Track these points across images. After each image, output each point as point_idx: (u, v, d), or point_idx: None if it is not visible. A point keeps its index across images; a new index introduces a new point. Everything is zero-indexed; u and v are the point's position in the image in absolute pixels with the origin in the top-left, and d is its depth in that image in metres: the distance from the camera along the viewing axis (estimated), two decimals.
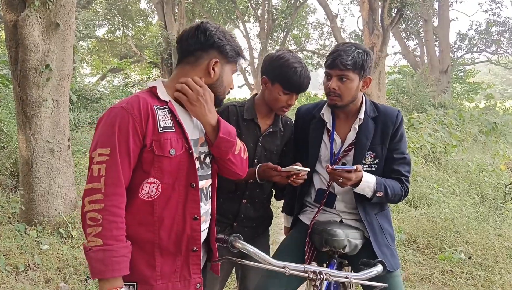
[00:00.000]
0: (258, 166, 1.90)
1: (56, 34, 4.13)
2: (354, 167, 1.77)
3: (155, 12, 18.57)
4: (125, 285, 1.35)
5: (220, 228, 1.98)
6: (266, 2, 21.07)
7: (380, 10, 10.78)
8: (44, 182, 4.20)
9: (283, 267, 1.43)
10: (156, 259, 1.41)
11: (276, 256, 1.94)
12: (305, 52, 24.83)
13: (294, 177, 1.79)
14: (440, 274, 3.46)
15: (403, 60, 19.94)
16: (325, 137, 2.00)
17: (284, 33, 22.12)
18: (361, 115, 1.92)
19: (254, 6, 22.34)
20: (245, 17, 23.36)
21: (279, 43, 22.55)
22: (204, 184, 1.56)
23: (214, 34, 1.48)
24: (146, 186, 1.39)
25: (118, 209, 1.32)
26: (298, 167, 1.76)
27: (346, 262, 1.96)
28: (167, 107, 1.45)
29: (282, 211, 2.33)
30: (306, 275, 1.45)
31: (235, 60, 1.56)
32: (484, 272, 3.45)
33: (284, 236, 2.23)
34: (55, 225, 4.12)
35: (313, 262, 1.87)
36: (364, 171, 1.84)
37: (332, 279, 1.48)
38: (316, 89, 28.63)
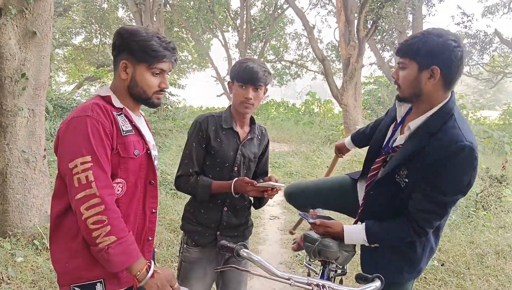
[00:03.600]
0: (234, 180, 1.94)
1: (33, 43, 4.09)
2: (314, 221, 1.82)
3: (133, 20, 18.47)
4: (87, 284, 1.45)
5: (203, 239, 2.01)
6: (245, 13, 21.24)
7: (356, 22, 11.03)
8: (19, 193, 4.13)
9: (288, 279, 1.45)
10: None
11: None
12: (283, 62, 25.07)
13: (269, 191, 1.86)
14: (415, 281, 3.54)
15: (378, 70, 20.37)
16: (391, 129, 1.87)
17: (263, 43, 22.31)
18: (413, 125, 1.66)
19: (232, 16, 22.48)
20: (224, 27, 23.47)
21: (258, 53, 22.72)
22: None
23: (122, 37, 1.53)
24: (113, 186, 1.46)
25: (116, 206, 1.41)
26: (273, 183, 1.83)
27: (339, 272, 2.00)
28: (122, 113, 1.55)
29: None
30: (310, 287, 1.46)
31: (147, 60, 1.53)
32: (456, 278, 3.56)
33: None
34: (30, 236, 4.04)
35: (315, 275, 1.90)
36: (397, 180, 1.68)
37: None
38: (294, 99, 28.93)
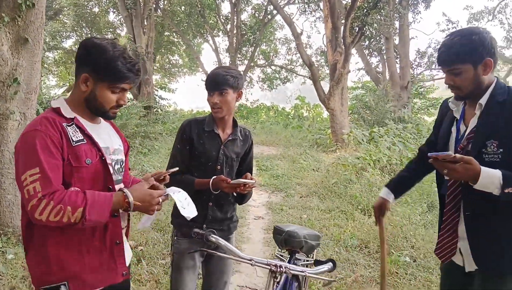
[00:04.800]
0: (212, 178, 2.15)
1: (25, 49, 4.25)
2: (451, 153, 1.65)
3: (124, 24, 18.62)
4: (53, 287, 1.53)
5: (191, 231, 2.20)
6: (235, 18, 21.48)
7: (342, 28, 11.30)
8: (10, 193, 4.27)
9: (250, 260, 1.64)
10: (84, 254, 1.57)
11: None
12: (273, 67, 25.33)
13: (242, 187, 2.08)
14: (387, 276, 3.76)
15: (366, 76, 20.72)
16: (454, 127, 1.94)
17: (253, 48, 22.55)
18: (483, 100, 1.79)
19: (223, 21, 22.70)
20: (215, 32, 23.67)
21: (248, 58, 22.96)
22: (117, 188, 1.70)
23: (88, 51, 1.57)
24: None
25: (61, 190, 1.47)
26: (244, 180, 2.06)
27: (311, 261, 2.13)
28: (74, 123, 1.59)
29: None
30: (269, 267, 1.65)
31: (110, 80, 1.58)
32: (425, 273, 3.79)
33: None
34: (20, 235, 4.18)
35: (276, 257, 2.08)
36: (487, 161, 1.70)
37: (290, 272, 1.69)
38: (284, 103, 29.18)
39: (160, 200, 1.60)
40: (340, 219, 5.43)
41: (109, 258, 1.64)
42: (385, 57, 18.30)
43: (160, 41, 22.52)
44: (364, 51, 18.79)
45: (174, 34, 23.64)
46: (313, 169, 9.08)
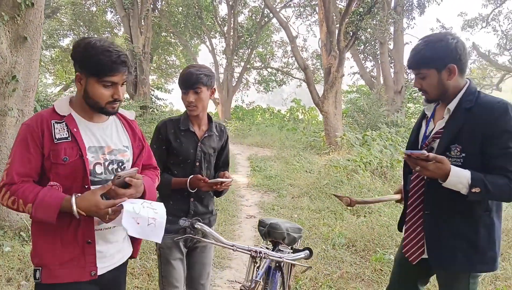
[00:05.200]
0: (189, 177, 2.26)
1: (24, 48, 4.36)
2: (425, 152, 1.70)
3: (121, 24, 18.72)
4: (34, 269, 1.65)
5: (174, 226, 2.31)
6: (232, 20, 21.63)
7: (337, 33, 11.46)
8: None
9: (232, 246, 1.77)
10: (56, 246, 1.64)
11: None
12: (269, 69, 25.48)
13: (218, 186, 2.22)
14: (371, 272, 3.89)
15: (361, 80, 20.91)
16: (424, 124, 2.03)
17: (249, 50, 22.71)
18: (451, 106, 1.86)
19: (220, 22, 22.83)
20: (212, 33, 23.80)
21: (244, 60, 23.10)
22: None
23: (76, 50, 1.64)
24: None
25: (20, 184, 1.57)
26: (221, 179, 2.21)
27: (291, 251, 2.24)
28: (64, 121, 1.65)
29: None
30: (249, 253, 1.78)
31: (96, 74, 1.61)
32: None
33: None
34: (17, 229, 4.29)
35: (262, 245, 2.20)
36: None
37: (269, 258, 1.82)
38: (280, 105, 29.34)
39: (110, 211, 1.57)
40: (329, 218, 5.56)
41: (80, 255, 1.66)
42: (379, 61, 18.49)
43: (157, 42, 22.61)
44: (359, 55, 19.00)
45: (171, 34, 23.75)
46: (306, 171, 9.22)
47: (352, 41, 11.52)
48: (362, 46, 17.79)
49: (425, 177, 1.87)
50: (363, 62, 19.48)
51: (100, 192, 1.56)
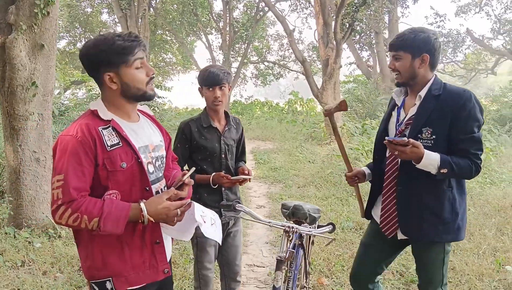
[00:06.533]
0: (212, 174, 2.49)
1: (41, 55, 4.58)
2: (405, 139, 1.88)
3: (118, 24, 18.86)
4: (100, 282, 1.62)
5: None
6: (228, 15, 21.78)
7: (333, 24, 11.67)
8: (31, 188, 4.62)
9: (269, 222, 2.07)
10: (126, 253, 1.63)
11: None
12: (266, 63, 25.66)
13: (241, 181, 2.47)
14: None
15: (357, 70, 21.14)
16: (394, 112, 2.22)
17: (246, 45, 22.86)
18: (422, 93, 2.07)
19: (215, 18, 22.97)
20: (207, 29, 23.93)
21: (241, 54, 23.28)
22: (159, 186, 1.74)
23: (89, 56, 1.59)
24: (107, 197, 1.57)
25: (79, 199, 1.52)
26: (243, 176, 2.45)
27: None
28: (110, 126, 1.60)
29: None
30: (283, 228, 2.07)
31: (124, 60, 1.58)
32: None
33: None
34: (43, 227, 4.54)
35: (290, 221, 2.45)
36: (422, 145, 1.94)
37: (301, 231, 2.11)
38: (277, 98, 29.58)
39: (179, 212, 1.60)
40: (336, 205, 5.83)
41: (150, 256, 1.68)
42: (375, 51, 18.72)
43: (153, 40, 22.76)
44: (355, 45, 19.21)
45: (167, 32, 23.89)
46: (309, 161, 9.48)
47: (348, 32, 11.74)
48: (358, 36, 17.99)
49: (400, 159, 2.07)
50: (359, 52, 19.70)
51: (166, 197, 1.58)
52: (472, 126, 1.98)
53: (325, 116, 2.17)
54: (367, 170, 2.42)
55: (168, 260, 1.77)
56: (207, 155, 2.56)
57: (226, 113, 2.69)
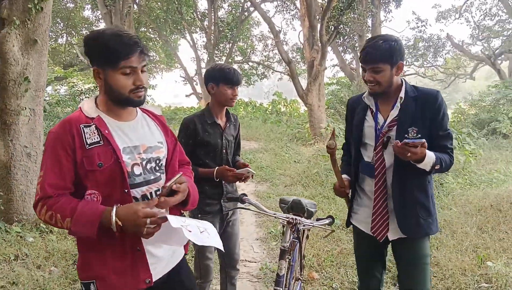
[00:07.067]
0: (216, 168, 2.58)
1: (34, 50, 4.58)
2: (423, 140, 1.94)
3: (101, 20, 18.69)
4: (85, 283, 1.59)
5: (212, 207, 2.65)
6: (213, 14, 21.80)
7: (319, 27, 11.86)
8: (22, 183, 4.61)
9: (274, 214, 2.18)
10: (107, 257, 1.58)
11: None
12: (250, 63, 25.77)
13: (244, 177, 2.55)
14: None
15: (341, 72, 21.45)
16: (368, 117, 2.25)
17: (230, 45, 22.93)
18: (402, 94, 2.14)
19: (200, 17, 22.96)
20: (192, 28, 23.89)
21: (226, 54, 23.33)
22: (148, 189, 1.64)
23: (87, 45, 1.57)
24: (87, 197, 1.53)
25: (56, 197, 1.50)
26: (249, 169, 2.54)
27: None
28: (93, 124, 1.56)
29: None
30: (287, 219, 2.17)
31: (112, 62, 1.52)
32: None
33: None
34: (34, 222, 4.54)
35: (294, 213, 2.54)
36: None
37: (303, 223, 2.20)
38: (261, 98, 29.70)
39: (148, 221, 1.45)
40: (323, 203, 5.97)
41: (132, 264, 1.60)
42: (358, 54, 19.01)
43: None
44: (339, 48, 19.49)
45: (151, 30, 23.73)
46: (295, 161, 9.63)
47: (334, 35, 11.95)
48: (342, 39, 18.26)
49: (395, 160, 2.14)
50: (342, 54, 20.00)
51: (143, 205, 1.48)
52: (447, 123, 2.14)
53: (330, 153, 2.23)
54: (348, 177, 2.42)
55: (159, 270, 1.68)
56: (210, 150, 2.65)
57: (226, 110, 2.79)
